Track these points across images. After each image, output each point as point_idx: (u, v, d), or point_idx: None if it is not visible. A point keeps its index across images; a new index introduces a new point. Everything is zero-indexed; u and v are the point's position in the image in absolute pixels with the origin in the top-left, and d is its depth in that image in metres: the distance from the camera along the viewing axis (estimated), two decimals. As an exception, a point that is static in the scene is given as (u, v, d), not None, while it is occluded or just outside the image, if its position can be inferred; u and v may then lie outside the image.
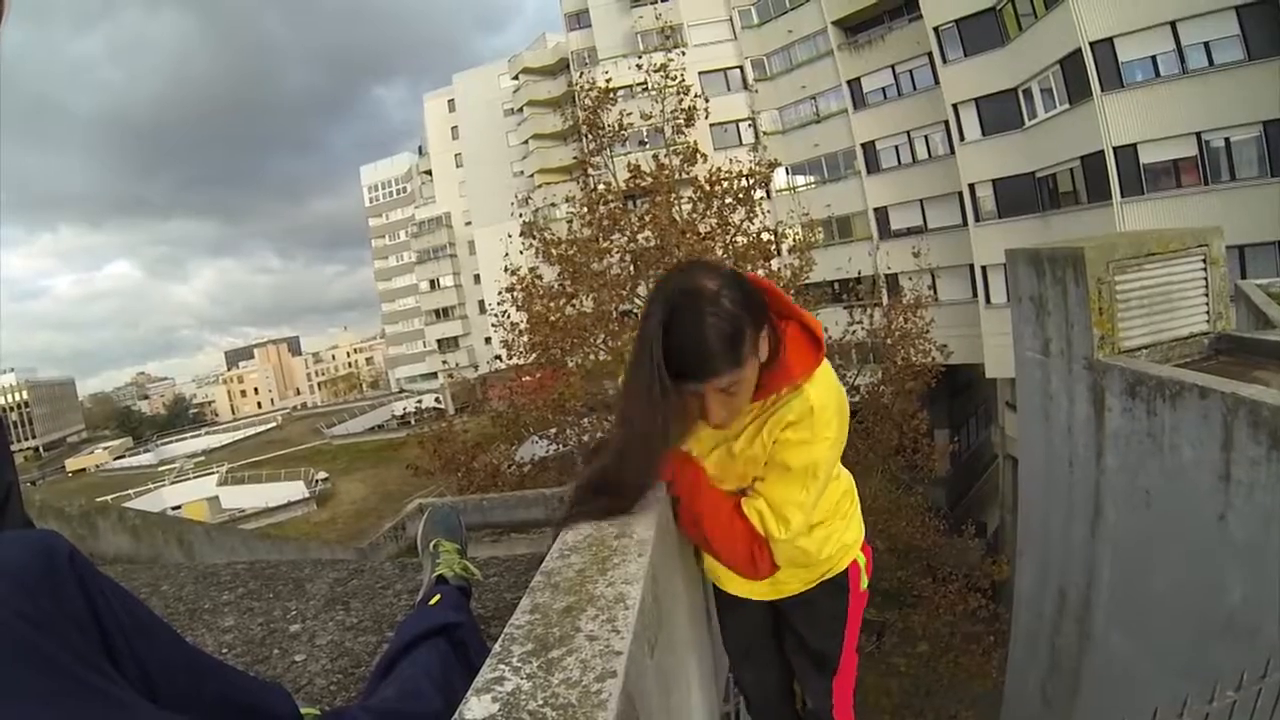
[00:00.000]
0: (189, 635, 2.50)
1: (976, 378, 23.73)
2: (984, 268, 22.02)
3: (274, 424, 75.19)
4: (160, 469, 53.96)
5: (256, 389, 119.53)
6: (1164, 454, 4.77)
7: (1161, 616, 4.98)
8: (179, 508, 34.40)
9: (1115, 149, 17.03)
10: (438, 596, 2.10)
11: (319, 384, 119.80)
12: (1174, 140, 16.24)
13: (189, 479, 45.41)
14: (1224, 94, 15.14)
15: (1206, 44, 15.35)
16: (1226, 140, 15.57)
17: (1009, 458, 21.06)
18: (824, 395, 1.69)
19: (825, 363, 1.73)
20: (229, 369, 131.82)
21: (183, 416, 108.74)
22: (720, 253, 15.05)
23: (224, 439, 67.91)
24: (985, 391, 25.37)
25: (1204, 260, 5.50)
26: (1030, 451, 6.78)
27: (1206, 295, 5.53)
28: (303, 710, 1.39)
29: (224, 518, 34.53)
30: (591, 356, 14.85)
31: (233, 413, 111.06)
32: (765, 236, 15.62)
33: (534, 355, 15.20)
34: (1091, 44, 16.81)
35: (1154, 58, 16.23)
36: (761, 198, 16.75)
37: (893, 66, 24.81)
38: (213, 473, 45.64)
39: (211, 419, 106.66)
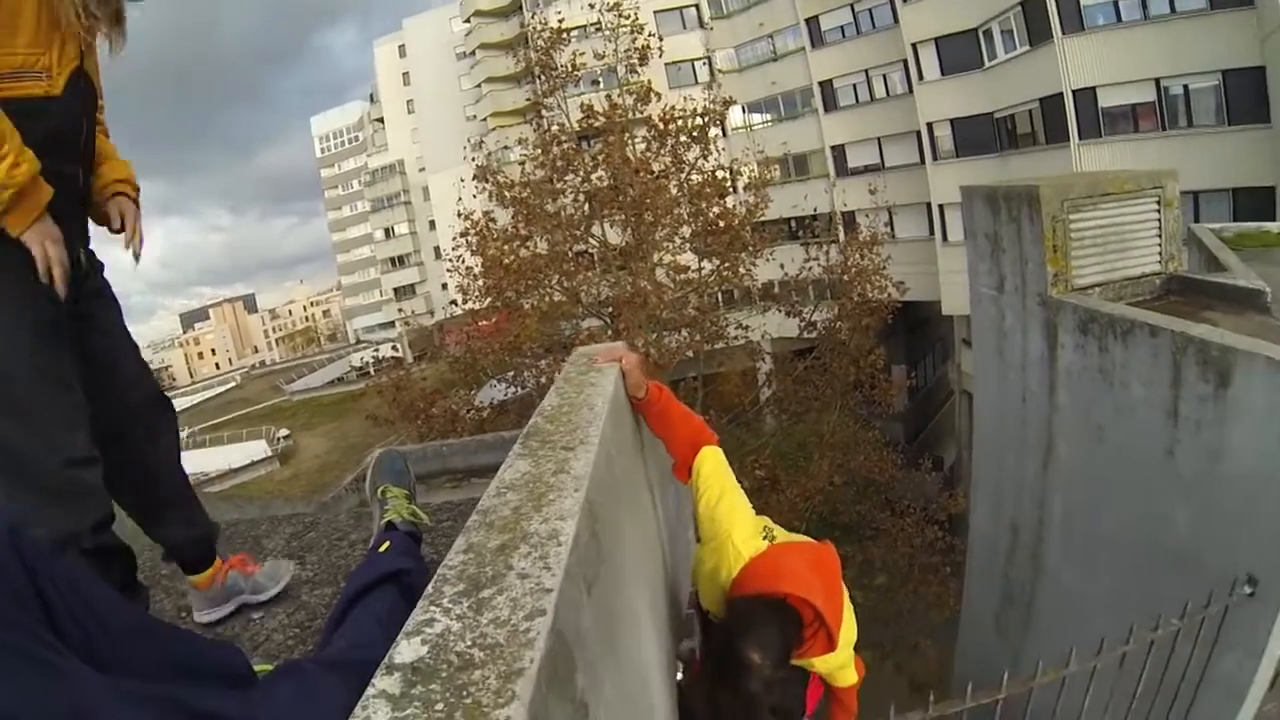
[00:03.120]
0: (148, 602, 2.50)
1: (933, 314, 23.91)
2: (941, 206, 22.06)
3: (233, 384, 74.82)
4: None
5: (214, 350, 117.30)
6: (1115, 390, 4.83)
7: (1110, 549, 5.07)
8: None
9: (1074, 92, 17.03)
10: (387, 543, 2.11)
11: (277, 340, 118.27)
12: (1133, 85, 16.28)
13: (151, 446, 44.68)
14: (1185, 42, 15.18)
15: None
16: (1185, 88, 15.64)
17: (965, 393, 21.39)
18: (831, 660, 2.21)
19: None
20: (184, 332, 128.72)
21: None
22: (675, 190, 15.04)
23: (184, 403, 66.56)
24: (942, 328, 25.67)
25: (1158, 202, 5.54)
26: (985, 387, 6.82)
27: (1159, 237, 5.58)
28: (257, 667, 1.38)
29: None
30: (546, 298, 14.84)
31: (191, 376, 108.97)
32: (720, 174, 15.57)
33: (489, 299, 15.17)
34: (1054, -15, 16.72)
35: (1116, 2, 16.22)
36: (716, 136, 16.66)
37: (852, 5, 24.47)
38: None
39: (170, 384, 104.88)
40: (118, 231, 1.99)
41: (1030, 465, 6.06)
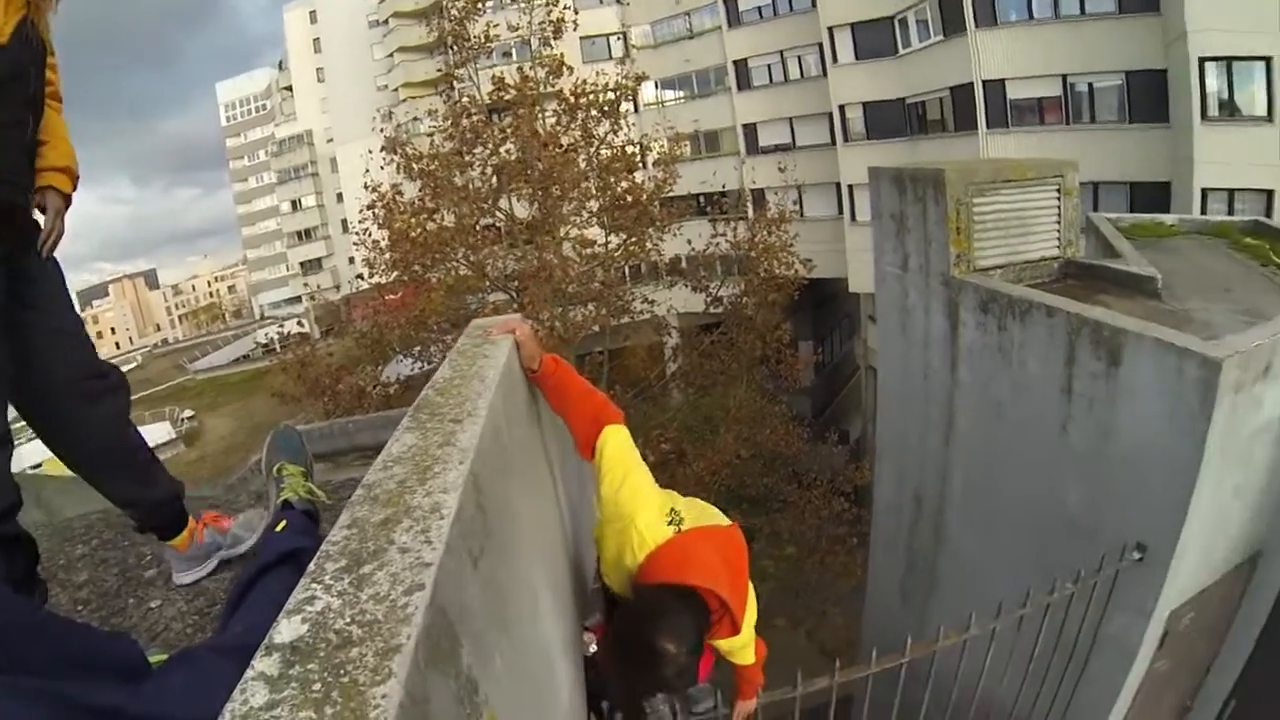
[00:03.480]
0: (43, 595, 2.41)
1: (841, 291, 24.24)
2: (850, 186, 22.33)
3: (135, 364, 71.62)
4: (15, 425, 49.90)
5: (113, 329, 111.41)
6: (1013, 368, 4.98)
7: (1008, 518, 5.24)
8: (39, 465, 31.98)
9: (984, 83, 17.42)
10: (283, 523, 2.05)
11: (180, 317, 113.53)
12: (1041, 80, 16.74)
13: (48, 433, 42.34)
14: (1093, 42, 15.63)
15: None
16: (1090, 85, 16.14)
17: (871, 369, 21.85)
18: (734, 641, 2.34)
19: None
20: (83, 310, 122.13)
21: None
22: (583, 165, 14.96)
23: None
24: (849, 305, 26.06)
25: (1059, 190, 5.72)
26: (889, 363, 6.96)
27: (1059, 223, 5.76)
28: (151, 658, 1.33)
29: None
30: (453, 272, 14.66)
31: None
32: (630, 150, 15.53)
33: (396, 273, 14.93)
34: (970, -20, 17.07)
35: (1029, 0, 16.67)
36: (628, 111, 16.59)
37: (771, -13, 24.60)
38: None
39: None
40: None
41: (932, 439, 6.22)
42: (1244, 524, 4.45)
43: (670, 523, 2.21)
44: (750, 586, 2.41)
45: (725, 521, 2.45)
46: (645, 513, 2.18)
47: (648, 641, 1.98)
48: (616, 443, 2.24)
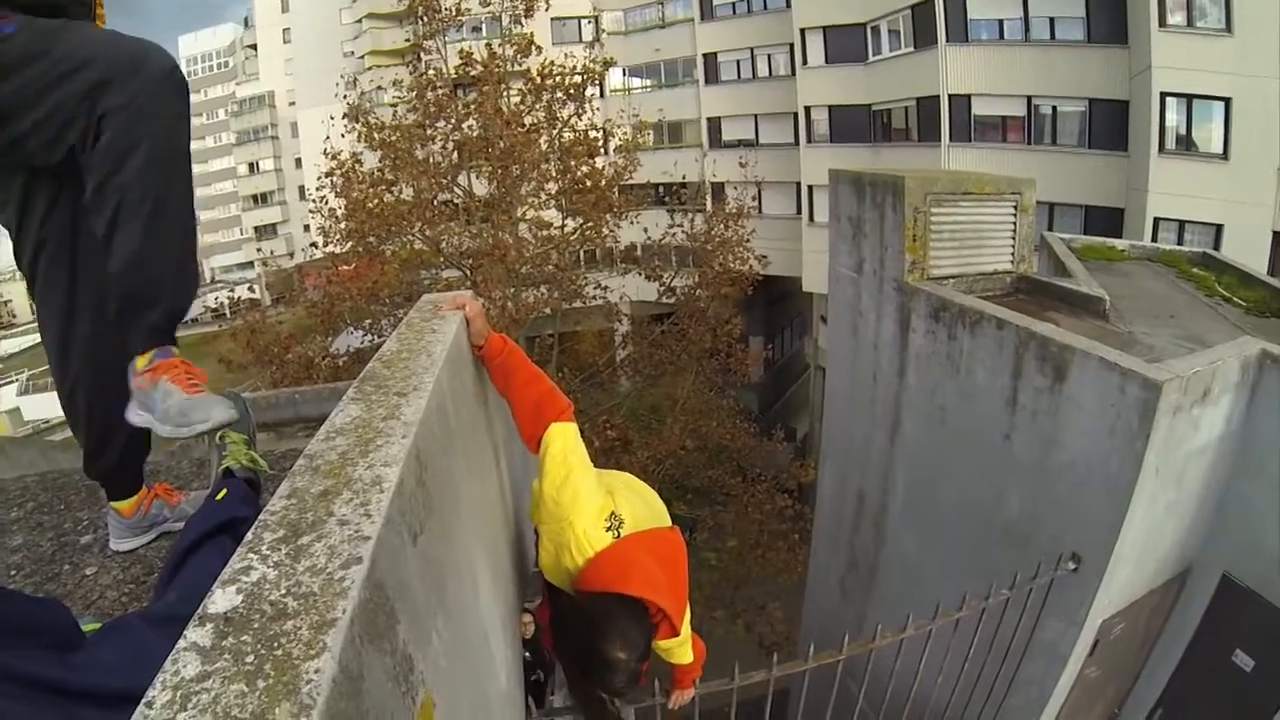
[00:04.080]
0: (-28, 561, 2.33)
1: (794, 290, 24.39)
2: (810, 187, 22.46)
3: None
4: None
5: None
6: (960, 375, 5.07)
7: (949, 521, 5.33)
8: None
9: (951, 96, 17.64)
10: (224, 491, 1.98)
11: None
12: (1006, 99, 17.01)
13: (-15, 390, 40.76)
14: (1059, 67, 15.92)
15: (1052, 19, 16.03)
16: (1054, 108, 16.43)
17: (820, 368, 22.05)
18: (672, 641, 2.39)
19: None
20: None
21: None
22: (545, 146, 14.85)
23: (24, 343, 61.08)
24: (801, 304, 26.21)
25: (1015, 207, 5.82)
26: (838, 363, 7.04)
27: (1013, 238, 5.87)
28: (86, 626, 1.28)
29: (27, 430, 30.61)
30: (408, 245, 14.55)
31: (32, 312, 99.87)
32: (593, 134, 15.44)
33: (350, 243, 14.70)
34: (945, -3, 17.29)
35: (1001, 21, 16.79)
36: (593, 95, 16.50)
37: (747, -16, 24.61)
38: (12, 381, 40.53)
39: (9, 320, 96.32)
40: None
41: (878, 440, 6.31)
42: (1176, 540, 4.58)
43: (609, 529, 2.20)
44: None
45: (666, 521, 2.45)
46: (584, 518, 2.16)
47: (599, 651, 2.02)
48: (562, 443, 2.18)
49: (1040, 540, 4.39)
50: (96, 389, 2.00)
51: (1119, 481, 3.94)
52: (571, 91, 14.94)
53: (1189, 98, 13.67)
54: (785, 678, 2.93)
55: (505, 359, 2.29)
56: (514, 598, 2.55)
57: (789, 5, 22.57)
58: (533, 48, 15.07)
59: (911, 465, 5.92)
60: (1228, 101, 13.24)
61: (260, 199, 56.44)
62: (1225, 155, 13.45)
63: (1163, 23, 13.62)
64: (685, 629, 2.40)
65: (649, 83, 27.83)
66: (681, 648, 2.50)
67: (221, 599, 0.89)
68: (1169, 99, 13.78)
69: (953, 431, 5.31)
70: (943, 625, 3.30)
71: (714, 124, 25.99)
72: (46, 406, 34.88)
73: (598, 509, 2.21)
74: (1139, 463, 3.83)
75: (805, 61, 22.30)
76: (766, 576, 14.08)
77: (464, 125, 14.55)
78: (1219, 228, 13.50)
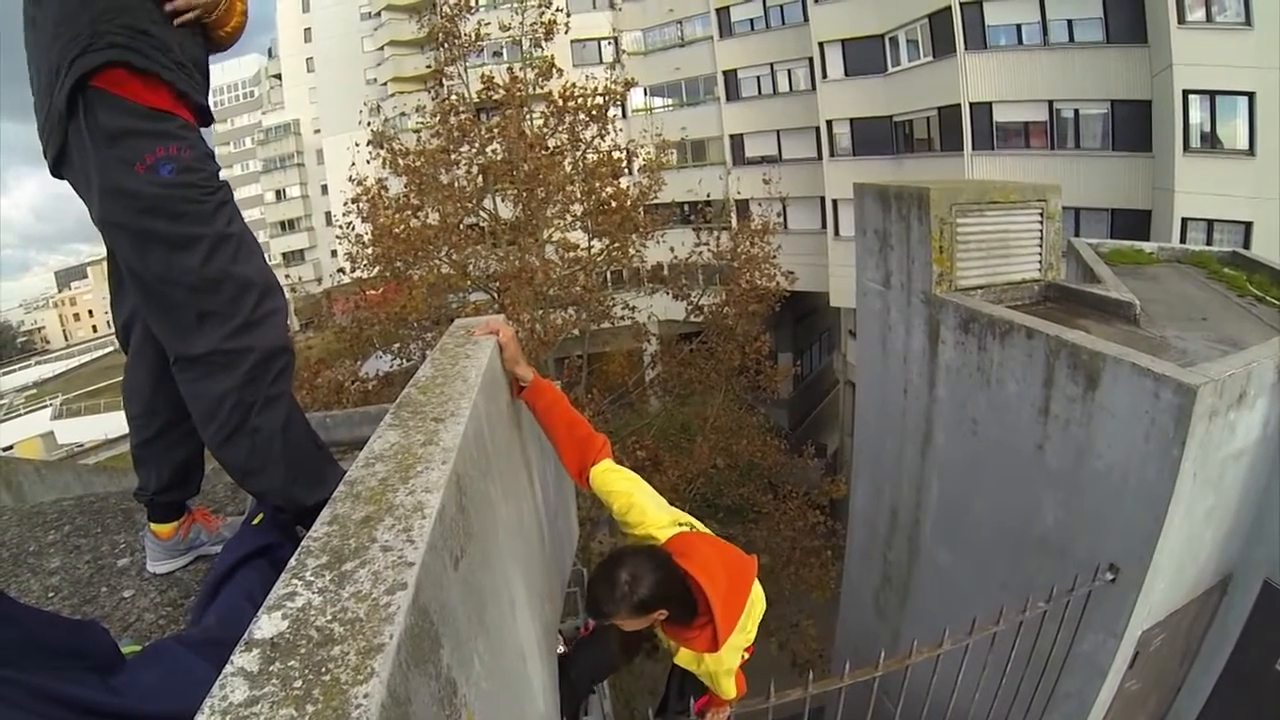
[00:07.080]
0: (11, 582, 2.36)
1: (821, 305, 24.33)
2: (835, 201, 22.41)
3: (112, 348, 69.43)
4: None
5: (91, 311, 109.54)
6: (991, 387, 5.02)
7: (983, 534, 5.27)
8: (10, 448, 31.28)
9: (972, 104, 17.57)
10: (260, 516, 2.03)
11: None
12: (1028, 104, 16.89)
13: (20, 415, 41.15)
14: (1080, 70, 15.82)
15: (1070, 21, 15.95)
16: (1076, 112, 16.30)
17: (849, 383, 21.94)
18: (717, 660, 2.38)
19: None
20: (60, 291, 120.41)
21: (10, 346, 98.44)
22: (569, 168, 14.93)
23: (57, 368, 62.13)
24: (829, 319, 26.14)
25: (1041, 214, 5.77)
26: (868, 378, 6.99)
27: (1040, 246, 5.81)
28: (125, 649, 1.31)
29: (61, 454, 31.13)
30: (435, 269, 14.56)
31: (66, 339, 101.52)
32: (616, 155, 15.52)
33: (377, 268, 14.81)
34: (961, 3, 17.17)
35: (1019, 26, 16.72)
36: (616, 116, 16.59)
37: None
38: (46, 406, 41.52)
39: (43, 346, 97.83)
40: None
41: (909, 453, 6.25)
42: (1215, 547, 4.49)
43: (680, 525, 2.31)
44: (755, 617, 2.54)
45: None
46: (657, 523, 2.27)
47: (611, 560, 2.12)
48: (604, 480, 2.30)
49: (1076, 551, 4.32)
50: (188, 432, 2.07)
51: (1156, 489, 3.87)
52: (594, 113, 15.02)
53: (1212, 94, 13.55)
54: (821, 695, 2.91)
55: (547, 403, 2.38)
56: (549, 617, 2.55)
57: (807, 19, 22.61)
58: (554, 70, 15.21)
59: (944, 478, 5.86)
60: (1251, 96, 13.10)
61: (287, 225, 57.00)
62: (1251, 151, 13.29)
63: (1182, 19, 13.54)
64: (733, 656, 2.42)
65: (670, 102, 27.94)
66: (727, 678, 2.50)
67: (267, 624, 0.90)
68: (1192, 96, 13.67)
69: (985, 443, 5.25)
70: (979, 639, 3.27)
71: (736, 141, 26.01)
72: (79, 431, 35.54)
73: (670, 516, 2.32)
74: (1176, 469, 3.76)
75: (825, 75, 22.30)
76: (799, 594, 13.96)
77: (488, 149, 14.67)
78: (1248, 225, 13.32)
